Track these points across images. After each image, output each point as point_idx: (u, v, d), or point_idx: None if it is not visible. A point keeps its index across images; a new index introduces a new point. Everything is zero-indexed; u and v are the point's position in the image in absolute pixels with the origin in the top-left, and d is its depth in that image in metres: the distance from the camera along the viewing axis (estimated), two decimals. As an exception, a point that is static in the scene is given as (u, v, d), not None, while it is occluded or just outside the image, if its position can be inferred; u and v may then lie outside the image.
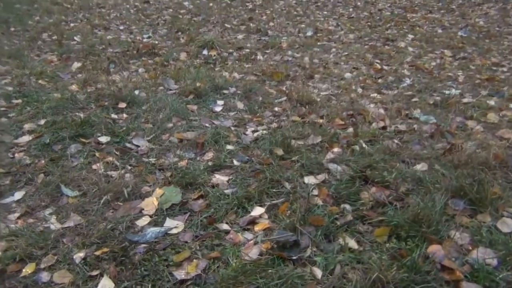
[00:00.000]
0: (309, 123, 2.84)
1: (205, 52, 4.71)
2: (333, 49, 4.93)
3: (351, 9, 7.40)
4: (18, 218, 1.97)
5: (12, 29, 5.72)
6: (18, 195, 2.13)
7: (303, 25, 6.16)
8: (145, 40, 5.31)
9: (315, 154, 2.43)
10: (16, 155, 2.51)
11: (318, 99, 3.27)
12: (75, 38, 5.27)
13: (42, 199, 2.11)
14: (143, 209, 1.99)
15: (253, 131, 2.78)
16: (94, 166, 2.35)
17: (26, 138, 2.69)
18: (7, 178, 2.27)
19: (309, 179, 2.18)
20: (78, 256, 1.71)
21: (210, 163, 2.36)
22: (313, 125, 2.81)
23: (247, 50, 4.84)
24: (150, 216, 1.95)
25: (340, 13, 7.03)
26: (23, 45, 4.97)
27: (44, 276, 1.63)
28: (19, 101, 3.27)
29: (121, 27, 6.06)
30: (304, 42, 5.20)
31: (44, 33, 5.53)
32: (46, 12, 6.84)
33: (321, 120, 2.88)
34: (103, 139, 2.65)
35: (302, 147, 2.49)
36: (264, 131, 2.74)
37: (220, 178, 2.22)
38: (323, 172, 2.25)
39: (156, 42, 5.19)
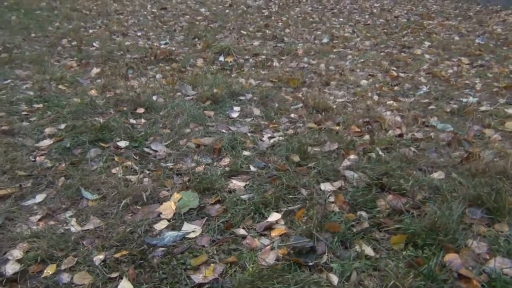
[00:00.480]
0: (325, 130, 2.85)
1: (221, 58, 4.75)
2: (349, 56, 4.94)
3: (367, 16, 7.40)
4: (40, 220, 2.01)
5: (33, 35, 5.84)
6: (39, 197, 2.18)
7: (319, 32, 6.18)
8: (162, 46, 5.38)
9: (332, 161, 2.44)
10: (37, 158, 2.57)
11: (334, 106, 3.28)
12: (94, 44, 5.36)
13: (62, 201, 2.15)
14: (161, 213, 2.02)
15: (270, 138, 2.80)
16: (113, 170, 2.40)
17: (47, 142, 2.75)
18: (28, 181, 2.32)
19: (326, 186, 2.20)
20: (98, 258, 1.74)
21: (227, 169, 2.39)
22: (329, 132, 2.82)
23: (263, 57, 4.87)
24: (168, 220, 1.98)
25: (356, 20, 7.03)
26: (44, 50, 5.07)
27: (65, 277, 1.66)
28: (40, 105, 3.34)
29: (139, 34, 6.15)
30: (320, 49, 5.22)
31: (64, 39, 5.63)
32: (66, 18, 6.97)
33: (337, 127, 2.89)
34: (122, 143, 2.69)
35: (319, 154, 2.51)
36: (281, 138, 2.76)
37: (237, 183, 2.24)
38: (339, 179, 2.26)
39: (173, 48, 5.26)
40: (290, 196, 2.12)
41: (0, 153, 2.57)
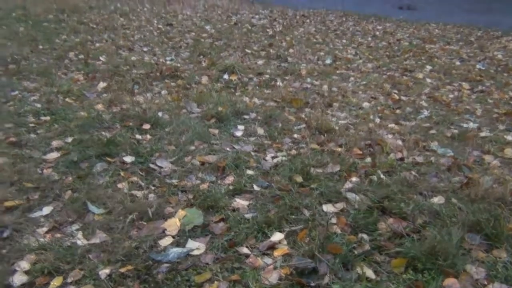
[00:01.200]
0: (327, 151, 2.90)
1: (226, 76, 4.83)
2: (352, 78, 5.01)
3: (369, 38, 7.52)
4: (47, 232, 2.05)
5: (40, 47, 5.92)
6: (46, 210, 2.21)
7: (322, 53, 6.27)
8: (168, 62, 5.46)
9: (334, 182, 2.49)
10: (45, 171, 2.61)
11: (337, 128, 3.33)
12: (100, 58, 5.43)
13: (69, 215, 2.18)
14: (166, 229, 2.06)
15: (273, 157, 2.85)
16: (119, 185, 2.44)
17: (54, 155, 2.79)
18: (36, 193, 2.36)
19: (328, 207, 2.24)
20: (104, 272, 1.77)
21: (230, 187, 2.43)
22: (331, 154, 2.87)
23: (267, 76, 4.95)
24: (173, 237, 2.02)
25: (358, 42, 7.14)
26: (51, 63, 5.14)
27: (71, 291, 1.69)
28: (47, 118, 3.39)
29: (145, 49, 6.23)
30: (323, 69, 5.30)
31: (71, 52, 5.71)
32: (73, 31, 7.07)
33: (339, 149, 2.94)
34: (128, 159, 2.74)
35: (321, 175, 2.56)
36: (284, 158, 2.81)
37: (240, 202, 2.28)
38: (341, 200, 2.31)
39: (179, 65, 5.33)
40: (293, 216, 2.16)
41: (8, 165, 2.62)
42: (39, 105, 3.66)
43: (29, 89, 4.10)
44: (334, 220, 2.12)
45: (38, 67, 4.84)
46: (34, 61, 5.15)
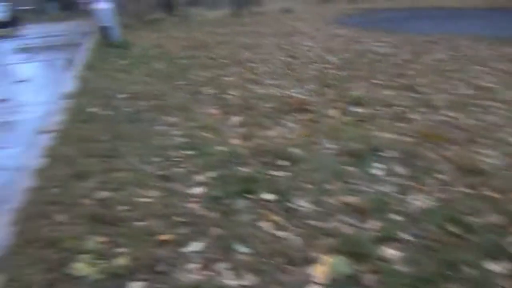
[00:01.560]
0: (481, 197, 2.62)
1: (354, 108, 4.71)
2: (496, 110, 4.55)
3: (510, 64, 6.83)
4: (196, 269, 2.12)
5: (176, 82, 6.40)
6: (195, 245, 2.30)
7: (457, 82, 5.84)
8: (293, 95, 5.51)
9: (496, 235, 2.22)
10: (190, 205, 2.74)
11: (488, 168, 3.01)
12: (230, 92, 5.68)
13: (216, 252, 2.25)
14: (313, 276, 2.01)
15: (418, 201, 2.65)
16: (261, 224, 2.46)
17: (197, 190, 2.92)
18: (184, 227, 2.48)
19: (492, 266, 1.99)
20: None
21: (377, 234, 2.31)
22: (487, 200, 2.58)
23: (398, 108, 4.72)
24: (321, 285, 1.95)
25: (499, 69, 6.52)
26: (187, 98, 5.50)
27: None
28: (189, 152, 3.59)
29: (270, 82, 6.37)
30: (460, 100, 4.91)
31: (204, 87, 6.06)
32: (204, 67, 7.55)
33: (495, 194, 2.64)
34: (267, 196, 2.75)
35: (478, 225, 2.30)
36: (432, 202, 2.60)
37: (390, 251, 2.14)
38: (507, 257, 2.04)
39: (305, 97, 5.35)
40: (451, 273, 1.96)
41: (158, 198, 2.81)
42: (180, 139, 3.90)
43: (170, 124, 4.41)
44: (502, 282, 1.87)
45: (176, 102, 5.21)
46: (172, 96, 5.56)
